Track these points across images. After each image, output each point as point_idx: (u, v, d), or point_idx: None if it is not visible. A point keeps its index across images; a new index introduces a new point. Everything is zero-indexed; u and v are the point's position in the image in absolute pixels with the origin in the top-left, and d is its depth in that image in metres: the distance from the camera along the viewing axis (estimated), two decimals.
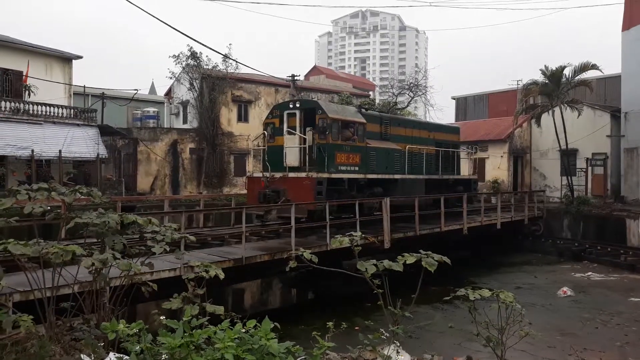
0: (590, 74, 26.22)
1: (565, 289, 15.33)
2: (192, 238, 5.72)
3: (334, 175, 15.68)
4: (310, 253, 4.98)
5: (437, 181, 20.85)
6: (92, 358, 3.98)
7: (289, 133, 16.22)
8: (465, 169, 25.07)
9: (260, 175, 16.34)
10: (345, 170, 16.32)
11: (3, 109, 23.09)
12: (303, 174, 15.37)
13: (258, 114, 31.94)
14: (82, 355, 4.06)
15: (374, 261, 4.97)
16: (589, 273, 18.27)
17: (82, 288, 5.27)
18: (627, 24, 26.04)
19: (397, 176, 18.41)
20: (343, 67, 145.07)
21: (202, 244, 13.04)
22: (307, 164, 15.80)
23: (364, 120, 17.24)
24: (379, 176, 17.66)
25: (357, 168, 16.81)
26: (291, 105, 16.80)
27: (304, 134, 16.09)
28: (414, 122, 21.74)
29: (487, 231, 20.66)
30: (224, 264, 10.41)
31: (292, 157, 16.02)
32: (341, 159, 16.19)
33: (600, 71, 25.19)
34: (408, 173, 19.17)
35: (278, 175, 15.75)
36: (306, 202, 14.40)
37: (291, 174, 15.60)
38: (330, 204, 14.07)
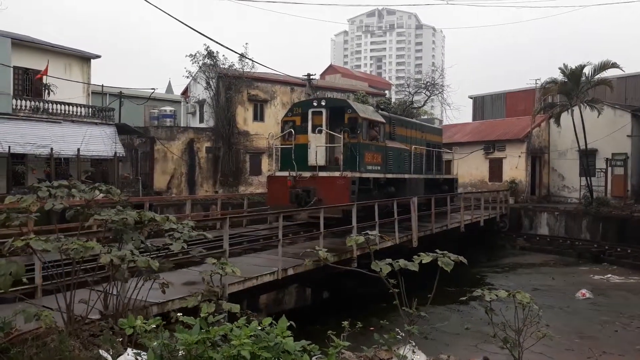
0: (610, 73, 25.78)
1: (584, 291, 15.11)
2: (209, 236, 5.75)
3: (364, 175, 15.71)
4: (334, 255, 4.98)
5: (432, 180, 21.69)
6: (110, 353, 4.03)
7: (319, 132, 15.86)
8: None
9: (284, 174, 15.92)
10: (371, 170, 16.39)
11: (23, 107, 23.48)
12: (336, 174, 15.16)
13: (274, 113, 32.03)
14: (100, 351, 4.11)
15: (390, 260, 4.95)
16: (609, 275, 17.98)
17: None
18: None
19: (406, 176, 18.72)
20: (359, 66, 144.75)
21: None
22: (340, 163, 15.67)
23: (384, 120, 17.38)
24: (395, 176, 17.81)
25: (379, 168, 16.88)
26: (315, 104, 16.45)
27: (330, 133, 15.94)
28: (413, 123, 21.97)
29: (470, 228, 20.97)
30: (268, 277, 9.78)
31: (319, 155, 15.75)
32: (368, 159, 16.23)
33: (621, 70, 24.80)
34: (413, 173, 19.67)
35: (307, 174, 15.50)
36: (340, 201, 14.27)
37: (321, 173, 15.38)
38: (358, 204, 13.96)
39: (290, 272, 10.21)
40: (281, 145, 16.79)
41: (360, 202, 14.12)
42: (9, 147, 21.41)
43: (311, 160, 15.79)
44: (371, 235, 5.61)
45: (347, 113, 15.92)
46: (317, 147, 15.76)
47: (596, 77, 24.71)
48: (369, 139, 16.32)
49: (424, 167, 20.90)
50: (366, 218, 13.84)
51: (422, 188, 20.02)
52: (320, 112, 16.02)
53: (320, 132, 15.87)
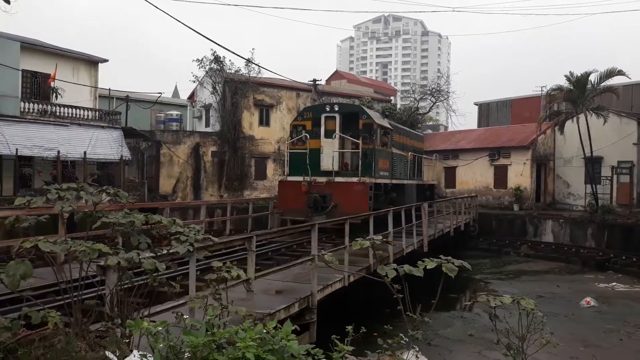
0: (616, 80, 25.78)
1: (588, 299, 15.04)
2: (216, 239, 5.80)
3: (377, 180, 15.77)
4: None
5: (420, 186, 22.36)
6: (117, 355, 4.07)
7: (335, 137, 15.79)
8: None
9: (297, 179, 15.82)
10: (382, 176, 16.51)
11: (31, 110, 23.67)
12: (354, 179, 15.16)
13: (279, 118, 32.15)
14: (106, 352, 4.15)
15: (395, 265, 4.98)
16: (614, 283, 17.89)
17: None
18: None
19: (404, 181, 18.94)
20: (364, 72, 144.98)
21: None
22: (349, 168, 15.69)
23: (391, 127, 17.59)
24: (398, 181, 18.01)
25: (387, 174, 16.98)
26: (329, 108, 16.42)
27: (348, 139, 15.96)
28: (405, 130, 22.18)
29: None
30: (338, 284, 9.71)
31: (332, 161, 15.71)
32: (381, 165, 16.32)
33: (628, 77, 24.78)
34: (409, 179, 20.17)
35: (322, 179, 15.47)
36: (358, 206, 14.33)
37: (338, 179, 15.37)
38: (373, 209, 14.07)
39: (352, 279, 10.13)
40: (291, 149, 16.61)
41: (378, 208, 14.29)
42: (17, 149, 21.59)
43: (325, 166, 15.73)
44: (376, 240, 5.64)
45: (361, 119, 15.96)
46: (333, 152, 15.68)
47: (602, 84, 24.69)
48: (381, 145, 16.43)
49: (415, 173, 21.62)
50: (379, 223, 13.90)
51: (415, 193, 20.56)
52: (334, 117, 15.98)
53: (335, 137, 15.81)
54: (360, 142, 15.49)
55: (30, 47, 25.09)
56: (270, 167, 31.75)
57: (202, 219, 15.74)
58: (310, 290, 8.40)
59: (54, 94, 25.25)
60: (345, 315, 8.58)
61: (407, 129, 23.59)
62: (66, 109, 24.79)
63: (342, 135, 15.83)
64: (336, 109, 16.29)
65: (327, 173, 15.61)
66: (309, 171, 15.70)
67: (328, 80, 50.37)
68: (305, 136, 16.17)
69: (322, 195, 15.17)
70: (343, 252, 10.41)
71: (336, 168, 15.69)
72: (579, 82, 24.67)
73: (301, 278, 9.43)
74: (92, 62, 27.88)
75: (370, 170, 15.51)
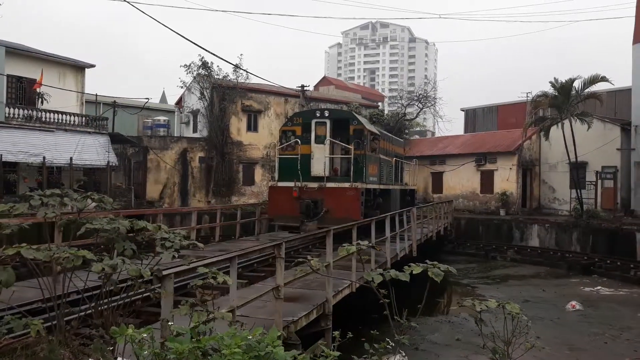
0: (600, 87, 26.14)
1: (574, 303, 15.19)
2: (201, 245, 5.77)
3: (368, 186, 15.83)
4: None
5: (402, 191, 22.51)
6: None
7: (326, 142, 15.79)
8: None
9: (289, 184, 15.73)
10: (372, 181, 16.57)
11: (16, 116, 23.42)
12: (346, 184, 15.17)
13: (267, 123, 32.13)
14: None
15: (381, 270, 4.99)
16: (598, 287, 18.09)
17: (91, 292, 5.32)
18: (638, 37, 26.01)
19: (390, 187, 19.06)
20: (352, 78, 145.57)
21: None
22: (351, 174, 15.67)
23: (379, 133, 17.70)
24: (385, 187, 18.13)
25: (376, 179, 17.04)
26: (319, 114, 16.41)
27: (340, 144, 15.97)
28: (389, 135, 22.36)
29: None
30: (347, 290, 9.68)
31: (322, 166, 15.69)
32: (370, 170, 16.39)
33: (611, 83, 25.15)
34: (394, 184, 20.32)
35: (314, 185, 15.46)
36: (350, 212, 14.41)
37: (329, 184, 15.38)
38: (364, 215, 14.11)
39: (357, 285, 10.14)
40: (281, 155, 16.49)
41: (367, 214, 14.52)
42: (1, 155, 21.34)
43: (315, 171, 15.71)
44: (363, 246, 5.65)
45: (352, 125, 16.00)
46: (325, 158, 15.69)
47: (586, 90, 25.02)
48: (370, 151, 16.52)
49: (399, 179, 21.78)
50: (368, 228, 13.95)
51: (398, 198, 20.73)
52: (324, 123, 15.95)
53: (328, 142, 15.81)
54: (352, 147, 15.55)
55: (15, 52, 24.85)
56: (259, 172, 31.69)
57: (192, 225, 15.65)
58: (325, 297, 8.48)
59: (40, 100, 25.01)
60: (335, 320, 8.60)
61: (390, 134, 23.78)
62: (52, 114, 24.56)
63: (334, 140, 15.85)
64: (326, 114, 16.27)
65: (318, 178, 15.60)
66: (300, 177, 15.65)
67: (316, 86, 50.44)
68: (296, 141, 16.10)
69: (314, 201, 15.17)
70: (351, 257, 10.45)
71: (327, 173, 15.73)
72: (564, 89, 24.98)
73: (309, 284, 9.51)
74: (78, 68, 27.66)
75: (361, 176, 15.58)
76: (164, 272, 4.36)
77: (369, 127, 16.60)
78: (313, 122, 16.09)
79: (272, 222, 16.68)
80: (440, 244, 23.13)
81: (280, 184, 16.20)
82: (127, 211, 14.68)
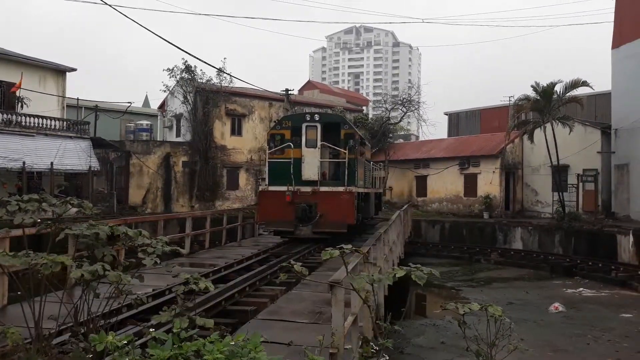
0: (581, 91, 26.55)
1: (556, 304, 15.33)
2: (183, 251, 5.70)
3: (359, 190, 15.99)
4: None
5: (375, 194, 22.87)
6: None
7: (317, 146, 15.75)
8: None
9: (281, 189, 15.56)
10: (360, 185, 16.72)
11: None
12: (340, 188, 15.19)
13: (251, 127, 32.04)
14: None
15: (365, 274, 4.97)
16: (581, 289, 18.29)
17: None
18: (617, 42, 26.46)
19: (368, 190, 19.28)
20: (337, 82, 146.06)
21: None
22: (344, 177, 15.63)
23: (364, 138, 17.99)
24: (366, 190, 18.42)
25: (362, 183, 17.20)
26: (308, 118, 16.32)
27: (334, 148, 15.99)
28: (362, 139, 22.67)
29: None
30: None
31: (314, 170, 15.66)
32: (360, 174, 16.55)
33: (591, 88, 25.54)
34: (371, 187, 20.67)
35: (307, 189, 15.36)
36: (345, 215, 14.57)
37: (323, 188, 15.34)
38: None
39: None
40: (271, 159, 16.24)
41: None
42: None
43: (307, 175, 15.62)
44: (346, 249, 5.63)
45: (343, 129, 16.01)
46: (318, 162, 15.67)
47: (567, 94, 25.37)
48: (359, 155, 16.66)
49: (373, 182, 22.13)
50: (359, 232, 14.13)
51: (373, 201, 21.10)
52: (315, 127, 15.90)
53: (318, 146, 15.77)
54: (346, 152, 15.59)
55: None
56: (243, 177, 31.56)
57: (187, 232, 15.09)
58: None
59: (20, 104, 24.64)
60: None
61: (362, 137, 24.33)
62: (32, 118, 24.20)
63: (327, 144, 15.86)
64: (317, 118, 16.22)
65: (310, 182, 15.53)
66: (292, 181, 15.53)
67: (301, 90, 50.50)
68: (289, 145, 15.91)
69: (309, 205, 15.13)
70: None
71: (317, 177, 15.76)
72: (545, 92, 25.30)
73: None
74: (59, 71, 27.34)
75: (354, 180, 15.66)
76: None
77: (359, 131, 16.86)
78: (304, 125, 15.98)
79: (265, 228, 16.63)
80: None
81: (272, 188, 15.91)
82: (130, 219, 14.19)
